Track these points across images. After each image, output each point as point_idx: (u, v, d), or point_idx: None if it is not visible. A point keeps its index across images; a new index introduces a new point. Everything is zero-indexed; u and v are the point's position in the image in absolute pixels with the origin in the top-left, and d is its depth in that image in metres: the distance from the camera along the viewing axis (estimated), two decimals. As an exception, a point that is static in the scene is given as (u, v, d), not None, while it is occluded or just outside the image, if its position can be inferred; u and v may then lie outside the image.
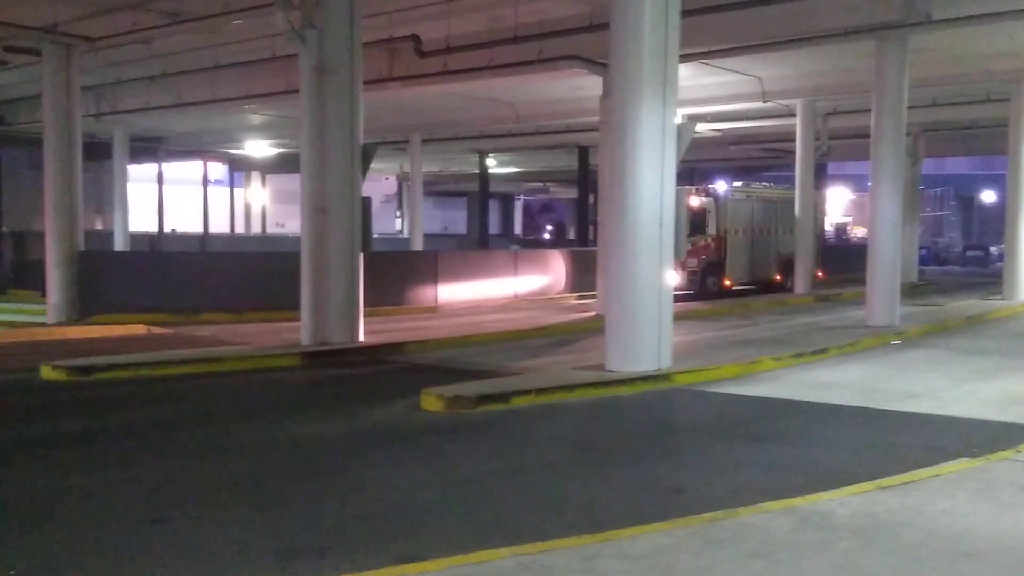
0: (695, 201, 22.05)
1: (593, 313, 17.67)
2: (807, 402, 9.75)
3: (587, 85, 19.29)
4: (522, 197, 64.31)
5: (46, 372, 11.00)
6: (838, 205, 56.45)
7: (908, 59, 15.66)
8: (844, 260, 32.00)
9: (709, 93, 21.12)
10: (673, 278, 19.26)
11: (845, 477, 6.63)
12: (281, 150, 35.19)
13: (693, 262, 22.07)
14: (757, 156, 36.77)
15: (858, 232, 51.71)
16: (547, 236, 61.41)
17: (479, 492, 6.40)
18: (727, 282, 23.02)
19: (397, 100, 23.37)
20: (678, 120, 10.74)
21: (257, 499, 6.21)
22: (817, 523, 5.46)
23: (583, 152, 34.34)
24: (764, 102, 21.49)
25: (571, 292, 22.59)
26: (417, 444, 7.94)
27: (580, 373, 10.74)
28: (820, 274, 25.59)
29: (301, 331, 13.06)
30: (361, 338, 13.27)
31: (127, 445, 7.86)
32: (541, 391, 9.76)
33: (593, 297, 21.32)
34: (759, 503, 5.90)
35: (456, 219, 57.59)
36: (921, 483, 6.37)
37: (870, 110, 16.11)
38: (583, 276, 22.37)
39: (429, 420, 8.84)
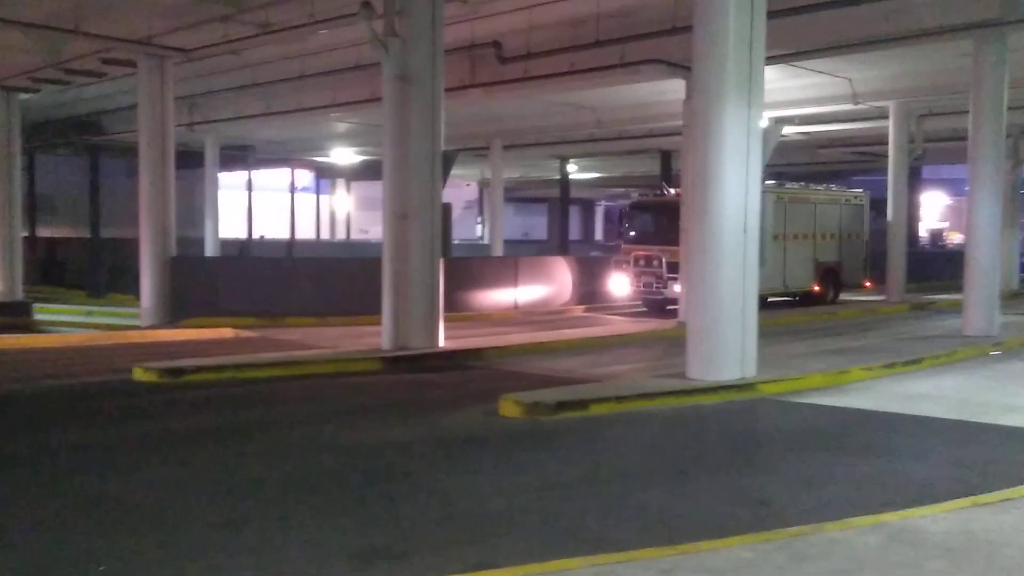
0: None
1: (676, 321, 17.40)
2: (899, 414, 9.38)
3: (670, 89, 19.06)
4: (603, 202, 63.98)
5: (138, 374, 11.36)
6: (933, 210, 54.51)
7: (1008, 58, 15.02)
8: (940, 267, 30.84)
9: (796, 95, 20.60)
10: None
11: (939, 493, 6.35)
12: (365, 157, 35.77)
13: None
14: (847, 160, 35.79)
15: (954, 238, 49.83)
16: (628, 242, 60.83)
17: (556, 500, 6.33)
18: None
19: (478, 107, 23.50)
20: (763, 123, 10.50)
21: (336, 501, 6.27)
22: (908, 540, 5.23)
23: (665, 157, 33.92)
24: (855, 104, 20.86)
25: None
26: (495, 450, 7.92)
27: (661, 381, 10.57)
28: (867, 284, 23.75)
29: (382, 336, 13.21)
30: (441, 343, 13.34)
31: (212, 446, 8.05)
32: (621, 399, 9.64)
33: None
34: (847, 518, 5.69)
35: (537, 225, 57.61)
36: (1020, 500, 6.06)
37: (967, 111, 15.51)
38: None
39: (507, 426, 8.81)
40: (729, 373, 10.31)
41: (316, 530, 5.61)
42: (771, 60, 11.85)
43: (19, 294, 21.67)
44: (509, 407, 9.23)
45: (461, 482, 6.77)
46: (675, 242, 18.14)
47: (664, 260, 19.65)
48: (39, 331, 16.82)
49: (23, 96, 21.85)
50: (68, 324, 18.00)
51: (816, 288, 22.33)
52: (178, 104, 19.94)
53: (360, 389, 11.16)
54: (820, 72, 19.42)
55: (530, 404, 9.20)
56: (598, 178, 46.31)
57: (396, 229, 13.06)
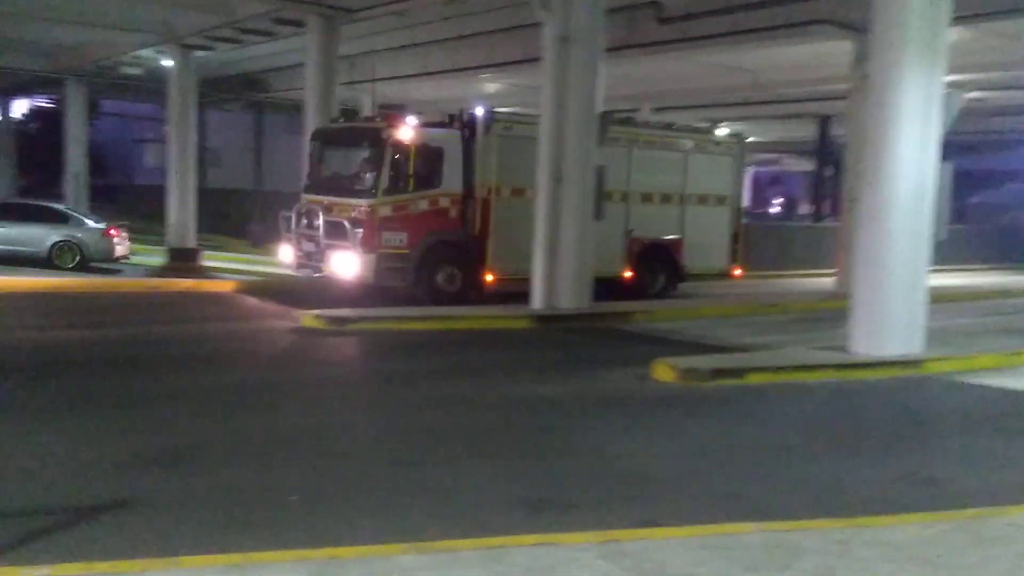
0: (405, 134, 13.24)
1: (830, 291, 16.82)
2: (1081, 401, 8.83)
3: (834, 51, 18.21)
4: (752, 168, 62.12)
5: (306, 321, 11.94)
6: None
7: None
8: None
9: (976, 59, 19.30)
10: (351, 266, 12.80)
11: None
12: (513, 118, 35.95)
13: (399, 240, 13.29)
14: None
15: None
16: (776, 209, 59.02)
17: (716, 465, 6.31)
18: (489, 276, 14.12)
19: (629, 68, 23.15)
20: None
21: (498, 451, 6.46)
22: (1101, 532, 4.95)
23: (824, 122, 32.61)
24: (1039, 68, 19.38)
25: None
26: (650, 413, 7.94)
27: (821, 353, 10.29)
28: (737, 272, 16.96)
29: (532, 294, 13.33)
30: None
31: (380, 392, 8.43)
32: (779, 369, 9.46)
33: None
34: (1029, 503, 5.45)
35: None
36: None
37: None
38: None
39: (661, 390, 8.80)
40: (895, 349, 9.93)
41: (481, 476, 5.81)
42: (954, 21, 11.15)
43: (192, 241, 23.06)
44: (663, 371, 9.20)
45: (618, 442, 6.83)
46: (351, 192, 13.34)
47: (323, 217, 13.49)
48: (208, 276, 17.82)
49: (199, 53, 23.01)
50: (232, 271, 19.00)
51: (627, 273, 15.52)
52: (339, 63, 20.54)
53: (514, 345, 11.38)
54: (1003, 35, 18.13)
55: (685, 369, 9.14)
56: (750, 143, 44.93)
57: (550, 191, 13.12)
